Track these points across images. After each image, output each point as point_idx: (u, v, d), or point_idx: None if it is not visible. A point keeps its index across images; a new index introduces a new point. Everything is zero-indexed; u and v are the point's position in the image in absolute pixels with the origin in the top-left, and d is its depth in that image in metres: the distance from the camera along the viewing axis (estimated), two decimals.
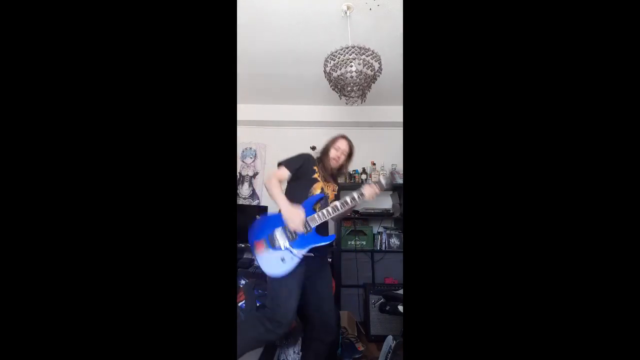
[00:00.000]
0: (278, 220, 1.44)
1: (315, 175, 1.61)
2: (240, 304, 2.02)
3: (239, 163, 3.35)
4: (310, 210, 1.46)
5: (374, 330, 2.32)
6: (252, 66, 2.50)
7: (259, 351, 1.87)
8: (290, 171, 1.55)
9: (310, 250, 1.42)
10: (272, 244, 1.42)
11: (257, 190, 3.27)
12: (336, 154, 1.64)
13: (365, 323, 2.41)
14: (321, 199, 1.52)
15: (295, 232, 1.42)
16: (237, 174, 3.32)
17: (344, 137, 1.68)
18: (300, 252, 1.40)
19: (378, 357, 1.72)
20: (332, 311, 1.51)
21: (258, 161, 3.33)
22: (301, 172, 1.57)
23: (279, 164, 1.59)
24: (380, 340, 1.86)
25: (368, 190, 1.50)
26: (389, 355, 1.61)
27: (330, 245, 1.52)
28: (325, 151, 1.67)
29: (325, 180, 1.63)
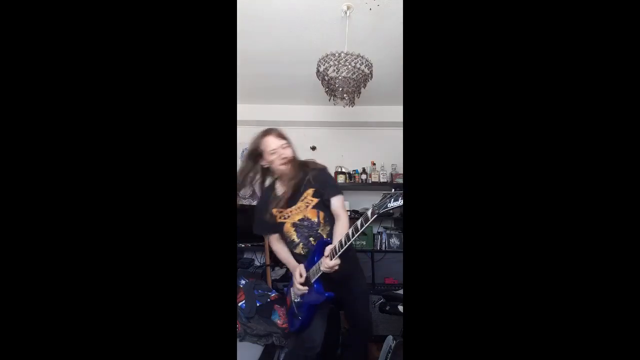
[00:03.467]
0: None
1: (274, 210, 1.41)
2: (240, 304, 2.02)
3: (239, 163, 3.34)
4: (319, 255, 1.24)
5: (374, 330, 2.32)
6: (252, 66, 2.50)
7: (259, 351, 1.87)
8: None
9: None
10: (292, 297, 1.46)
11: (257, 191, 3.26)
12: (272, 156, 1.31)
13: None
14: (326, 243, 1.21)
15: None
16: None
17: (268, 132, 1.32)
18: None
19: (378, 357, 1.72)
20: (367, 311, 1.52)
21: None
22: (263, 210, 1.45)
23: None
24: (380, 340, 1.85)
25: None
26: (389, 355, 1.61)
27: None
28: (258, 158, 1.36)
29: (288, 203, 1.34)
